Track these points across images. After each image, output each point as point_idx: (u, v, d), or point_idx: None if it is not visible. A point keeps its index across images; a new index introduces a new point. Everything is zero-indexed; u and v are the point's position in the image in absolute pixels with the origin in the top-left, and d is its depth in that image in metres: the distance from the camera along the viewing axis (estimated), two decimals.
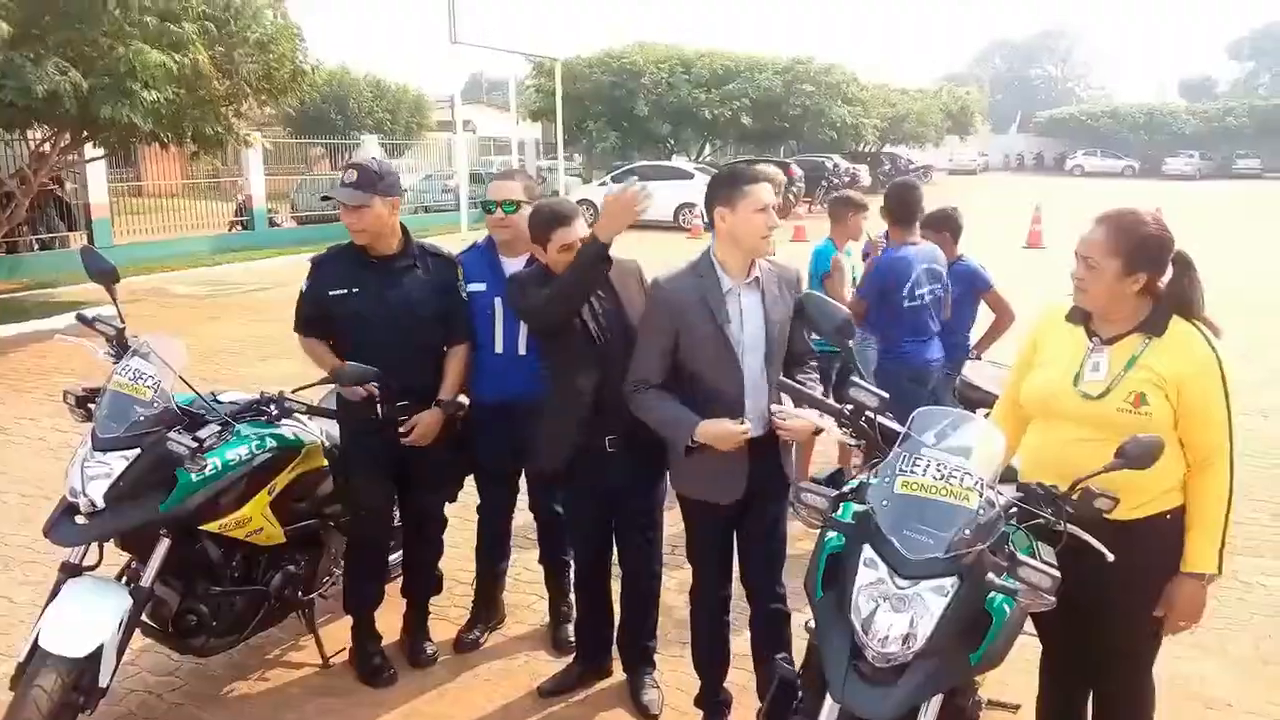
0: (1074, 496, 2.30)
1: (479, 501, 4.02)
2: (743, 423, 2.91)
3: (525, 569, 4.32)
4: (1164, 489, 2.51)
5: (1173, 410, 2.48)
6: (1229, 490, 2.53)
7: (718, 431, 2.89)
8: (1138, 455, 2.24)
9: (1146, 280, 2.50)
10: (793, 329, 3.14)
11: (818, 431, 2.86)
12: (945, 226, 5.07)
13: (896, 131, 43.43)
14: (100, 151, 13.58)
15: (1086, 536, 2.27)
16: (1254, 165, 52.46)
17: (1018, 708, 3.15)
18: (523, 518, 4.08)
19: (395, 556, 4.08)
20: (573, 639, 3.80)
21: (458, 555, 4.43)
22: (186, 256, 16.95)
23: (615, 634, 3.64)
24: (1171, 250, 2.50)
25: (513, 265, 3.69)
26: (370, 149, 23.03)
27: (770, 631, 3.28)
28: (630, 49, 32.54)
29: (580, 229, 3.24)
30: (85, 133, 12.03)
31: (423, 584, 3.94)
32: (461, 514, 4.45)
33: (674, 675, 3.66)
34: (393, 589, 3.96)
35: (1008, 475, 2.56)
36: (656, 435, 3.13)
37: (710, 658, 3.34)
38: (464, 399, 4.21)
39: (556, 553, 3.92)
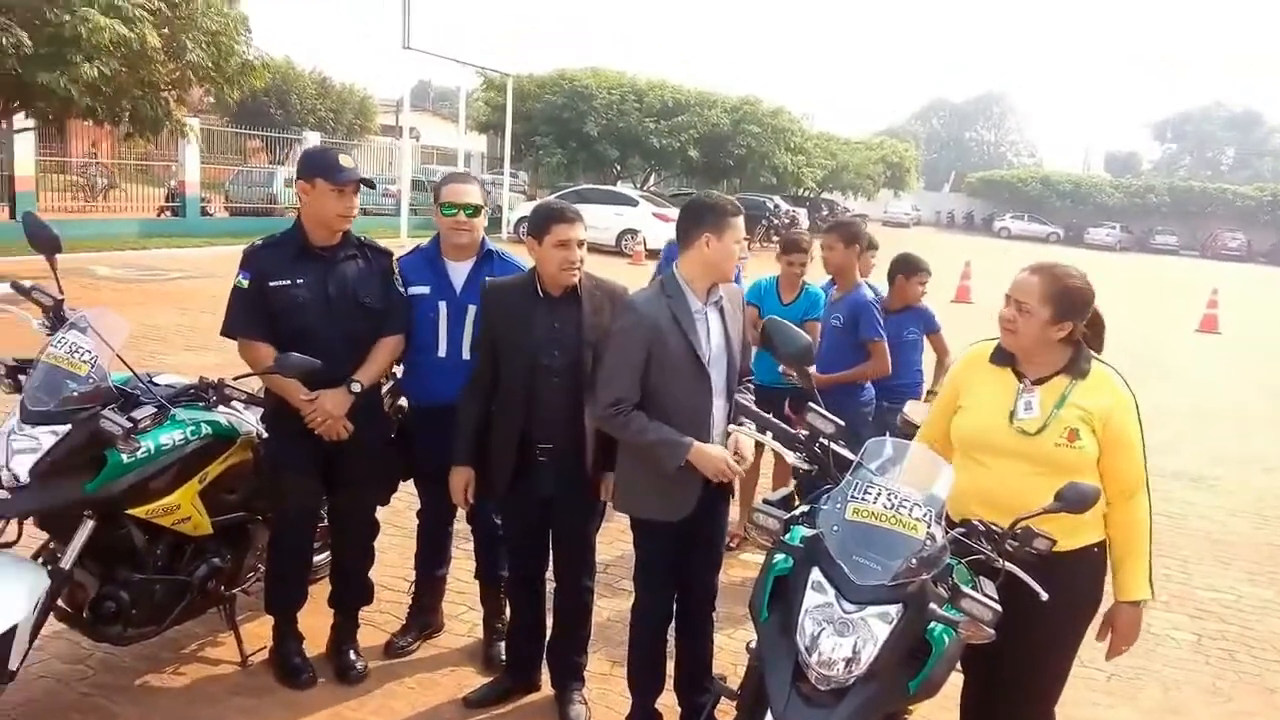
0: (1014, 535, 2.37)
1: (418, 507, 3.96)
2: (738, 459, 3.06)
3: (457, 579, 4.26)
4: (1091, 520, 2.63)
5: (1098, 445, 2.64)
6: (1150, 517, 2.74)
7: (710, 461, 3.00)
8: (1075, 500, 2.38)
9: (1071, 328, 2.66)
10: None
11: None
12: (924, 272, 5.17)
13: (835, 180, 44.29)
14: (31, 123, 13.17)
15: (1023, 575, 2.35)
16: (1171, 242, 54.63)
17: None
18: (458, 527, 4.02)
19: (322, 557, 3.99)
20: (505, 658, 3.71)
21: (386, 561, 4.35)
22: (112, 238, 16.45)
23: (546, 649, 3.60)
24: (1093, 303, 2.70)
25: (459, 269, 3.67)
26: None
27: (705, 650, 3.34)
28: (583, 72, 32.65)
29: (581, 231, 3.27)
30: (18, 101, 11.65)
31: (353, 593, 3.78)
32: (392, 520, 4.38)
33: (602, 694, 3.64)
34: (318, 591, 3.86)
35: None
36: (582, 450, 3.26)
37: (651, 676, 3.33)
38: (404, 402, 4.16)
39: (493, 568, 3.82)
